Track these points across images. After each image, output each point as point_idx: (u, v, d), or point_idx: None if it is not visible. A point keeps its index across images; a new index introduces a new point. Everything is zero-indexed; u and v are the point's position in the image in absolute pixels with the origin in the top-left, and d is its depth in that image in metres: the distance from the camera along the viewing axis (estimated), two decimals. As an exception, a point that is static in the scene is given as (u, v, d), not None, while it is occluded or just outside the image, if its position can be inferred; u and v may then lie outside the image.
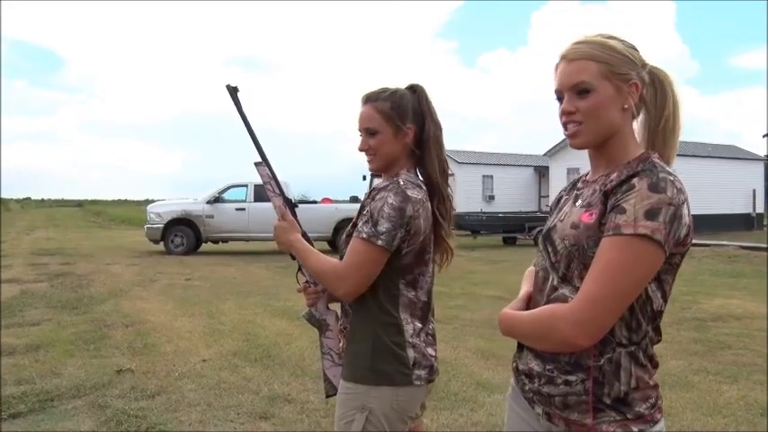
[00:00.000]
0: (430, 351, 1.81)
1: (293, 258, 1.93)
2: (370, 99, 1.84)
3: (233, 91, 1.86)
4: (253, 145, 1.91)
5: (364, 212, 1.78)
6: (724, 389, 4.43)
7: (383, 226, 1.70)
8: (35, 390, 4.25)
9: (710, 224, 20.89)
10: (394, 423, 1.77)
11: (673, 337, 6.01)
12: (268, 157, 1.93)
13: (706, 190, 21.00)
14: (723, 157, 25.22)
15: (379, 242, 1.70)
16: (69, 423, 3.71)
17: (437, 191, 1.85)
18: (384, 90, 1.85)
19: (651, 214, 1.20)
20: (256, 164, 1.92)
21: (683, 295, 8.20)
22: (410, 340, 1.76)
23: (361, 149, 1.87)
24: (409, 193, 1.75)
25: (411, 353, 1.76)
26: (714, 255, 14.18)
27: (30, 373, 4.66)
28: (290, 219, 1.92)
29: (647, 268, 1.23)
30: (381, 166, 1.87)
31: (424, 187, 1.82)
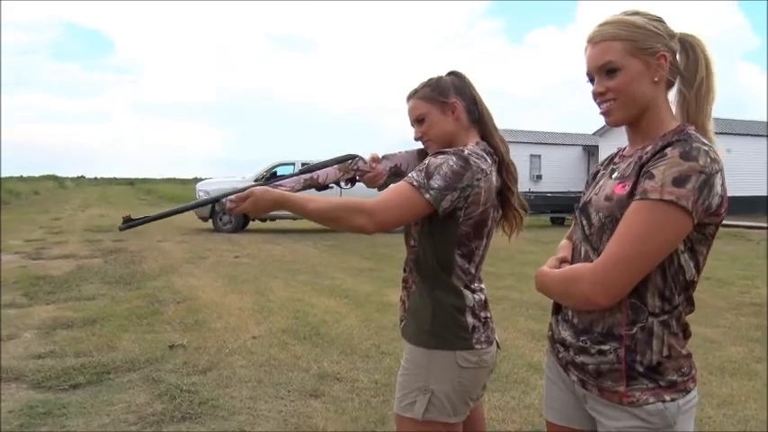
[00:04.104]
0: (485, 314, 1.80)
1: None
2: (412, 94, 1.87)
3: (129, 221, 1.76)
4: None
5: (420, 165, 1.70)
6: (789, 377, 4.24)
7: (436, 182, 1.63)
8: (92, 362, 4.37)
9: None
10: (457, 405, 1.73)
11: (731, 322, 5.80)
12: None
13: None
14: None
15: (427, 195, 1.63)
16: (125, 395, 3.79)
17: (504, 161, 1.82)
18: (422, 82, 1.88)
19: (679, 181, 1.22)
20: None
21: (740, 279, 7.88)
22: (469, 306, 1.75)
23: (416, 138, 1.89)
24: (472, 161, 1.68)
25: (470, 319, 1.74)
26: (773, 238, 13.64)
27: (87, 345, 4.79)
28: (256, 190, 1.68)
29: (671, 234, 1.24)
30: (443, 147, 1.80)
31: (490, 160, 1.76)
